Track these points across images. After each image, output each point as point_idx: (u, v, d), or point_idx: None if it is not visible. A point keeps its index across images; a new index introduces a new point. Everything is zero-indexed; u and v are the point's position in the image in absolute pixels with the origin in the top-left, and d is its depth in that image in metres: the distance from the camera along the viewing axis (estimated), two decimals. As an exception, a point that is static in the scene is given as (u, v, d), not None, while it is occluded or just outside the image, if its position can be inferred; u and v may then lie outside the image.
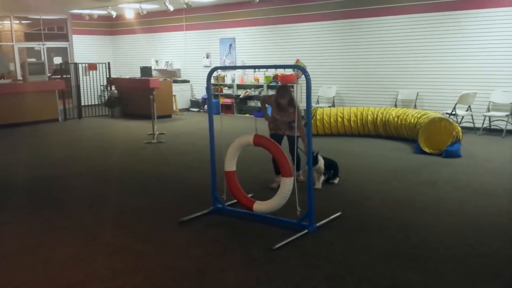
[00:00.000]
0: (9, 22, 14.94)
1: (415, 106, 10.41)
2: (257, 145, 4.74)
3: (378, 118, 9.24)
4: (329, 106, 11.14)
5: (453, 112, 9.50)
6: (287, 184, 4.48)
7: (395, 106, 10.58)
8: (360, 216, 4.91)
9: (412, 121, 8.44)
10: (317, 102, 11.87)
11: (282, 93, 5.74)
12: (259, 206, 4.72)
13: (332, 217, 4.77)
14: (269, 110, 6.19)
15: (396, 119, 8.93)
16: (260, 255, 3.97)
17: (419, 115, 8.44)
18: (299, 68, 4.66)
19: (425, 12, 10.34)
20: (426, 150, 7.69)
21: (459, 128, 7.82)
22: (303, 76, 11.97)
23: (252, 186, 5.64)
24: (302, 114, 6.04)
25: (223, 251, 4.09)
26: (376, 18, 11.08)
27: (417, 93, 10.57)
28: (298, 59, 12.00)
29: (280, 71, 12.60)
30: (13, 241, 4.42)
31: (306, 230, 4.39)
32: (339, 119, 9.51)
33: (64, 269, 3.80)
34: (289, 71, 12.39)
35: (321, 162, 5.88)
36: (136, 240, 4.42)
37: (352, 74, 11.65)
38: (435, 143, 7.66)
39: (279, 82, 12.63)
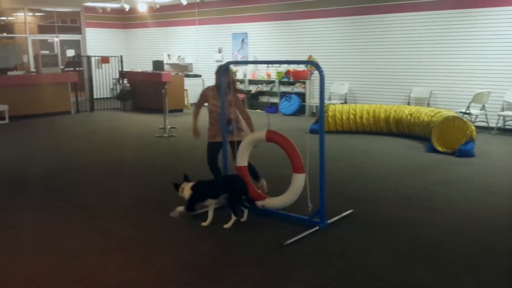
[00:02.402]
0: (23, 14, 15.03)
1: (428, 104, 10.31)
2: (270, 140, 4.72)
3: (391, 116, 9.18)
4: (341, 103, 11.08)
5: (467, 111, 9.40)
6: (298, 180, 4.46)
7: (408, 104, 10.49)
8: (372, 214, 4.88)
9: (425, 119, 8.37)
10: (329, 98, 11.82)
11: (222, 71, 5.12)
12: (271, 202, 4.71)
13: (343, 214, 4.75)
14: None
15: (409, 117, 8.86)
16: (271, 251, 3.96)
17: (432, 114, 8.36)
18: (313, 63, 4.63)
19: (440, 9, 10.22)
20: (439, 149, 7.62)
21: (473, 127, 7.74)
22: (315, 72, 11.96)
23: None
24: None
25: (233, 246, 4.09)
26: (390, 14, 10.98)
27: (431, 91, 10.47)
28: (310, 55, 11.94)
29: (292, 67, 12.56)
30: (26, 232, 4.46)
31: (317, 227, 4.38)
32: (351, 116, 9.46)
33: (76, 260, 3.82)
34: (301, 67, 12.35)
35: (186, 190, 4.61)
36: (148, 233, 4.43)
37: (364, 71, 11.57)
38: (448, 142, 7.59)
39: (291, 78, 12.60)
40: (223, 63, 5.08)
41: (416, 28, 10.61)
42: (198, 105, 5.48)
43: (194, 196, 4.60)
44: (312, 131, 8.94)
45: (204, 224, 4.54)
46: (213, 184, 4.81)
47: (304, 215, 4.54)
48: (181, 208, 4.60)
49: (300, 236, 4.19)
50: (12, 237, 4.33)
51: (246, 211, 4.66)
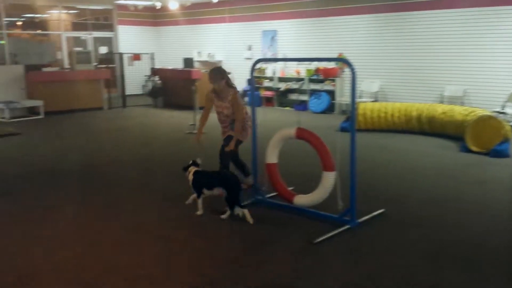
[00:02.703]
0: (58, 11, 15.37)
1: (462, 103, 10.08)
2: (299, 138, 4.71)
3: (423, 114, 9.01)
4: (372, 101, 10.95)
5: (502, 111, 9.15)
6: (329, 178, 4.43)
7: (441, 102, 10.28)
8: (403, 214, 4.80)
9: (459, 118, 8.19)
10: (359, 96, 11.69)
11: (214, 75, 5.07)
12: (300, 199, 4.70)
13: (374, 213, 4.69)
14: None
15: (442, 115, 8.68)
16: (300, 249, 3.95)
17: (466, 113, 8.18)
18: (344, 61, 4.58)
19: (474, 6, 9.97)
20: (473, 148, 7.45)
21: (508, 127, 7.53)
22: (346, 70, 11.86)
23: (293, 179, 5.60)
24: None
25: (262, 243, 4.10)
26: (423, 12, 10.77)
27: (465, 90, 10.23)
28: (341, 53, 11.83)
29: (322, 65, 12.46)
30: (60, 224, 4.58)
31: (348, 226, 4.34)
32: (382, 114, 9.33)
33: (108, 253, 3.90)
34: (331, 65, 12.25)
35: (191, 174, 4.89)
36: (178, 228, 4.49)
37: (396, 68, 11.40)
38: (482, 141, 7.40)
39: (321, 75, 12.51)
40: (252, 59, 5.07)
41: (450, 26, 10.38)
42: (205, 108, 5.41)
43: (194, 182, 4.85)
44: (342, 129, 8.91)
45: (198, 213, 4.74)
46: (210, 176, 4.87)
47: (334, 214, 4.51)
48: (194, 195, 4.90)
49: (330, 234, 4.17)
50: (47, 229, 4.45)
51: (246, 211, 4.58)
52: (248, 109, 5.26)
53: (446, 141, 8.39)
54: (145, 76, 14.83)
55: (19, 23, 16.24)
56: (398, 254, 3.86)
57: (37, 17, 16.41)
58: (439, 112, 8.79)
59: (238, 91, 5.20)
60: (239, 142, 5.28)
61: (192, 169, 4.92)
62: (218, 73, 5.12)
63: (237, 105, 5.11)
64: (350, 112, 4.42)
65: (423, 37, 10.84)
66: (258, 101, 12.32)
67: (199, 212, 4.76)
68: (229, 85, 5.18)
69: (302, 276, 3.49)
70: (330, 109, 12.26)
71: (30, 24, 16.67)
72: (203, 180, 4.83)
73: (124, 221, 4.66)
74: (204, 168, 5.02)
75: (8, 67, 12.99)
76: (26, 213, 4.88)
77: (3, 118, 11.02)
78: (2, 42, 14.20)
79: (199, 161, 5.06)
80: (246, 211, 4.58)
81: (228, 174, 4.92)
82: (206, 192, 4.82)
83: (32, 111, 11.76)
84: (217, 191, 4.76)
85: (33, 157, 7.45)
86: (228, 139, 5.24)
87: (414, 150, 7.79)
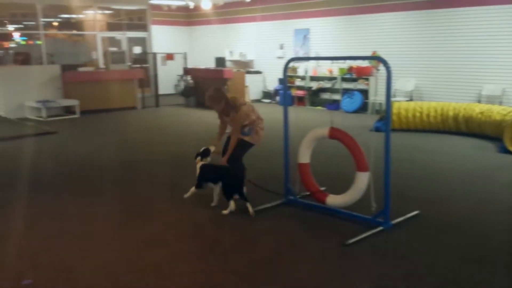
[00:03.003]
0: (93, 12, 15.70)
1: (500, 103, 9.77)
2: (332, 138, 4.65)
3: (460, 114, 8.77)
4: (407, 100, 10.74)
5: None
6: (362, 179, 4.36)
7: (479, 102, 10.00)
8: (438, 216, 4.68)
9: (497, 118, 7.94)
10: (394, 95, 11.48)
11: (212, 100, 4.99)
12: (333, 200, 4.65)
13: (408, 215, 4.59)
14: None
15: (479, 115, 8.43)
16: (333, 249, 3.90)
17: (505, 112, 7.92)
18: (379, 59, 4.49)
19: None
20: (512, 149, 7.21)
21: (551, 127, 7.25)
22: (380, 69, 11.66)
23: (325, 180, 5.54)
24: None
25: (295, 243, 4.07)
26: (461, 8, 10.49)
27: (503, 89, 9.91)
28: (375, 51, 11.65)
29: (355, 63, 12.29)
30: (94, 222, 4.66)
31: (381, 227, 4.26)
32: (417, 114, 9.13)
33: (141, 251, 3.95)
34: (364, 63, 12.08)
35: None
36: (211, 227, 4.50)
37: (432, 67, 11.14)
38: (522, 142, 7.16)
39: (354, 74, 12.36)
40: (284, 58, 5.03)
41: (488, 23, 10.07)
42: (220, 122, 5.36)
43: (200, 174, 4.98)
44: (376, 129, 8.75)
45: (225, 212, 4.75)
46: (214, 170, 4.96)
47: (367, 215, 4.43)
48: (192, 188, 5.01)
49: (364, 235, 4.10)
50: (83, 224, 4.54)
51: (248, 205, 4.68)
52: (281, 108, 5.23)
53: (483, 142, 8.15)
54: (178, 75, 14.99)
55: (55, 23, 16.65)
56: (433, 256, 3.76)
57: (73, 18, 16.80)
58: (476, 111, 8.54)
59: (240, 108, 5.01)
60: (250, 145, 5.19)
61: (199, 161, 5.04)
62: (212, 99, 5.02)
63: (235, 124, 5.04)
64: (384, 112, 4.33)
65: (460, 34, 10.56)
66: (289, 101, 12.25)
67: (187, 194, 4.96)
68: (230, 105, 5.04)
69: (335, 277, 3.44)
70: (363, 108, 12.10)
71: (66, 24, 17.08)
72: (209, 174, 4.94)
73: (157, 218, 4.71)
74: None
75: (45, 67, 13.35)
76: (63, 209, 4.99)
77: (40, 117, 11.33)
78: (39, 42, 14.60)
79: (212, 148, 5.15)
80: (248, 204, 4.67)
81: (228, 167, 4.94)
82: (212, 186, 4.95)
83: (68, 110, 12.05)
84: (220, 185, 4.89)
85: (69, 155, 7.63)
86: (240, 142, 5.11)
87: (450, 151, 7.60)
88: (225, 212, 4.73)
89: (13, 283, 3.40)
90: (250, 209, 4.68)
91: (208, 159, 5.11)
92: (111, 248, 4.00)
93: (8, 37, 16.11)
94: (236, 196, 4.77)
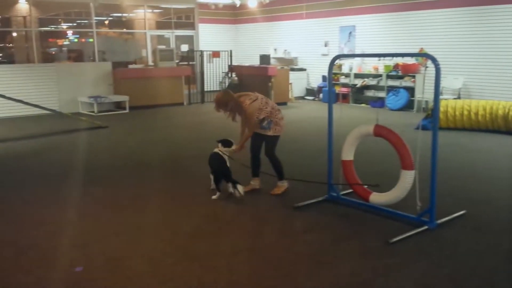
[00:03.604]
0: (143, 11, 16.14)
1: (555, 102, 9.40)
2: (377, 135, 4.65)
3: (510, 113, 8.50)
4: (454, 98, 10.49)
5: None
6: (408, 177, 4.35)
7: (531, 100, 9.64)
8: (485, 217, 4.60)
9: (551, 117, 7.66)
10: (441, 93, 11.22)
11: (218, 104, 5.18)
12: (376, 197, 4.65)
13: (455, 215, 4.54)
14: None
15: (531, 114, 8.15)
16: (377, 247, 3.92)
17: (560, 112, 7.62)
18: (428, 56, 4.44)
19: None
20: None
21: None
22: (428, 66, 11.41)
23: (369, 177, 5.54)
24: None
25: (338, 240, 4.11)
26: (511, 5, 10.16)
27: (559, 87, 9.53)
28: (422, 48, 11.43)
29: (401, 60, 12.11)
30: (144, 213, 4.86)
31: (426, 227, 4.24)
32: (465, 112, 8.92)
33: (189, 242, 4.09)
34: (411, 61, 11.87)
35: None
36: (255, 221, 4.61)
37: (481, 64, 10.82)
38: None
39: (399, 71, 12.18)
40: (329, 55, 5.06)
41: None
42: (241, 124, 5.48)
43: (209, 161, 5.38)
44: (422, 127, 8.59)
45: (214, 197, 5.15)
46: (209, 160, 5.33)
47: (412, 214, 4.42)
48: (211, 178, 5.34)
49: (408, 234, 4.09)
50: (134, 216, 4.74)
51: (239, 186, 4.98)
52: (324, 105, 5.26)
53: (536, 142, 7.89)
54: (223, 72, 15.19)
55: (107, 22, 17.23)
56: (478, 257, 3.72)
57: (123, 16, 17.33)
58: (528, 110, 8.26)
59: (250, 106, 5.11)
60: (275, 138, 5.31)
61: (217, 148, 5.36)
62: (219, 103, 5.20)
63: (248, 121, 5.18)
64: (431, 110, 4.29)
65: (511, 31, 10.20)
66: (333, 98, 12.15)
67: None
68: (238, 105, 5.16)
69: (379, 275, 3.47)
70: (408, 106, 11.90)
71: (117, 23, 17.63)
72: (211, 162, 5.31)
73: (204, 211, 4.85)
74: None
75: (97, 64, 13.87)
76: (114, 201, 5.23)
77: (92, 112, 11.80)
78: (91, 40, 15.16)
79: (231, 140, 5.42)
80: (239, 186, 4.98)
81: (215, 156, 5.26)
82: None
83: (118, 105, 12.47)
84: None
85: (120, 149, 7.94)
86: (256, 135, 5.32)
87: (498, 151, 7.40)
88: (214, 197, 5.11)
89: (67, 269, 3.60)
90: (240, 191, 4.98)
91: (230, 149, 5.37)
92: (159, 239, 4.17)
93: (62, 35, 16.82)
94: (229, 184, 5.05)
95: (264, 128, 5.25)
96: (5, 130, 9.68)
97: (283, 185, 5.39)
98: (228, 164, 5.25)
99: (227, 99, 5.17)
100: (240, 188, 5.00)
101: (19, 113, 11.16)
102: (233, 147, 5.38)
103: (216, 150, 5.38)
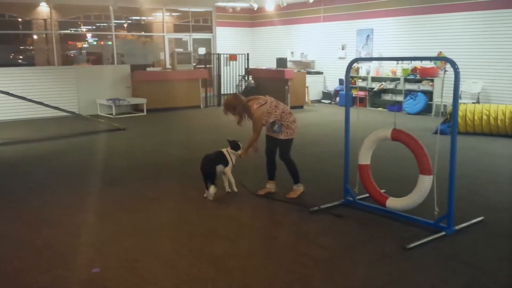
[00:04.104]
0: (161, 14, 16.29)
1: None
2: (395, 139, 4.61)
3: (531, 118, 8.37)
4: (473, 103, 10.35)
5: None
6: (425, 182, 4.30)
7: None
8: (505, 223, 4.53)
9: None
10: (460, 97, 11.09)
11: (226, 107, 5.24)
12: (393, 202, 4.60)
13: (473, 221, 4.47)
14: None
15: (553, 120, 8.01)
16: (393, 253, 3.88)
17: None
18: (447, 60, 4.40)
19: None
20: None
21: None
22: (447, 70, 11.28)
23: (386, 182, 5.50)
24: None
25: (354, 244, 4.09)
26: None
27: None
28: (440, 51, 11.31)
29: (419, 64, 11.99)
30: (161, 215, 4.89)
31: (444, 232, 4.19)
32: (484, 117, 8.80)
33: (204, 244, 4.11)
34: (429, 64, 11.76)
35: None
36: (270, 224, 4.61)
37: (501, 69, 10.67)
38: None
39: (417, 75, 12.07)
40: (346, 59, 5.04)
41: None
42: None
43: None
44: (440, 132, 8.49)
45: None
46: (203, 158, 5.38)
47: (429, 219, 4.37)
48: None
49: (425, 240, 4.05)
50: (150, 217, 4.78)
51: (212, 187, 5.13)
52: (341, 109, 5.23)
53: (557, 148, 7.74)
54: (240, 75, 15.23)
55: (125, 25, 17.44)
56: (500, 264, 3.66)
57: (142, 20, 17.51)
58: (550, 116, 8.11)
59: (258, 110, 5.13)
60: (288, 141, 5.28)
61: (224, 149, 5.46)
62: (227, 106, 5.26)
63: (254, 125, 5.23)
64: (449, 114, 4.25)
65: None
66: (350, 101, 12.09)
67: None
68: (246, 109, 5.19)
69: (394, 280, 3.43)
70: (426, 110, 11.78)
71: (136, 26, 17.83)
72: (204, 161, 5.38)
73: (219, 213, 4.87)
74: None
75: (115, 66, 14.02)
76: (131, 202, 5.27)
77: (110, 114, 11.93)
78: (109, 43, 15.34)
79: (240, 143, 5.47)
80: (212, 187, 5.12)
81: (206, 157, 5.35)
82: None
83: (136, 108, 12.59)
84: (219, 168, 5.35)
85: (137, 151, 8.00)
86: (270, 139, 5.39)
87: (520, 156, 7.28)
88: (205, 195, 5.23)
89: (83, 269, 3.65)
90: (211, 193, 5.13)
91: (236, 153, 5.44)
92: (175, 241, 4.19)
93: (82, 38, 17.06)
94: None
95: (275, 132, 5.25)
96: (26, 132, 9.85)
97: (299, 188, 5.38)
98: (231, 164, 5.40)
99: (235, 103, 5.19)
100: (211, 190, 5.14)
101: (39, 114, 11.34)
102: (239, 151, 5.40)
103: (223, 150, 5.46)
